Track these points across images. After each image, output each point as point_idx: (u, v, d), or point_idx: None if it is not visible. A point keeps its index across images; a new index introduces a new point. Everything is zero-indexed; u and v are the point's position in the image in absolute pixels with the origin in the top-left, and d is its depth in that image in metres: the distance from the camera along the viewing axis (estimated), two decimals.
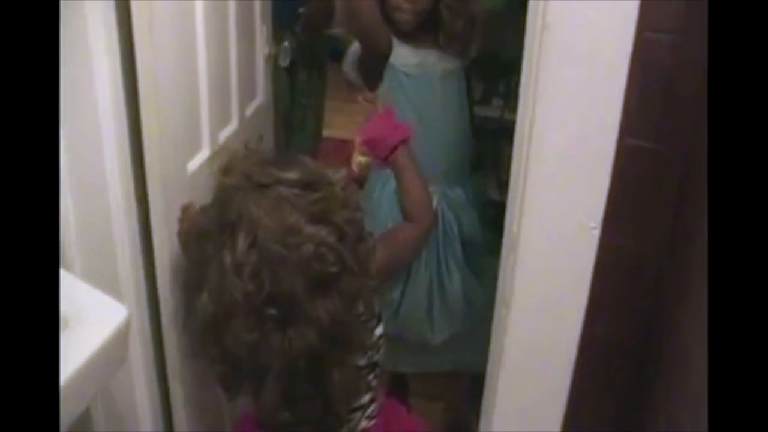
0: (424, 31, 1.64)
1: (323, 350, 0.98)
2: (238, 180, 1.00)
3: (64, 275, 1.00)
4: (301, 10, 2.09)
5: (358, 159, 3.10)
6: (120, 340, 0.96)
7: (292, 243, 0.94)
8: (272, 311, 0.95)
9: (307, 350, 0.97)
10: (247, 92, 1.59)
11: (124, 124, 1.11)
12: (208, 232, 1.01)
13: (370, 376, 1.20)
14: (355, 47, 1.72)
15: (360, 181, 3.08)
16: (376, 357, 1.19)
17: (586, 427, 1.12)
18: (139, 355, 1.23)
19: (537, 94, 0.98)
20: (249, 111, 1.60)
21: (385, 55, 1.64)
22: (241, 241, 0.95)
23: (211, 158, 1.09)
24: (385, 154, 1.28)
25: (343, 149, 3.18)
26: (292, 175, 1.00)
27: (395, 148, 1.27)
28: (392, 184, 1.78)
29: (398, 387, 2.01)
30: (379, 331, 1.18)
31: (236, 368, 1.04)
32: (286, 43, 2.08)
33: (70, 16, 0.99)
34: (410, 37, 1.65)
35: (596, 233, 0.99)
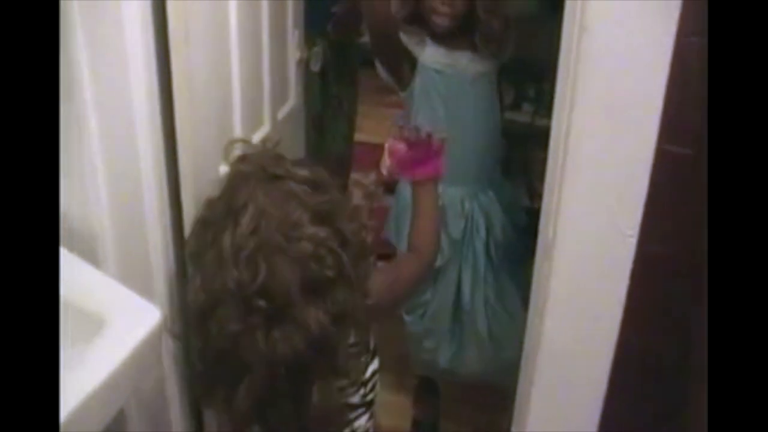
0: (459, 33, 1.63)
1: (306, 360, 0.94)
2: (251, 168, 1.00)
3: (100, 277, 1.01)
4: (333, 9, 2.09)
5: (388, 162, 3.10)
6: (154, 341, 0.97)
7: (293, 236, 0.93)
8: (262, 303, 0.92)
9: (291, 355, 0.93)
10: (279, 96, 1.59)
11: (158, 127, 1.12)
12: (212, 219, 1.00)
13: (365, 417, 1.16)
14: None
15: (390, 184, 3.09)
16: (371, 396, 1.15)
17: None
18: (171, 355, 1.23)
19: (574, 97, 0.97)
20: (281, 114, 1.61)
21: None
22: (244, 226, 0.94)
23: (225, 148, 1.08)
24: (408, 177, 1.28)
25: (373, 153, 3.17)
26: (304, 172, 1.00)
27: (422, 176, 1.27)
28: None
29: (429, 389, 1.99)
30: (373, 367, 1.14)
31: (215, 366, 1.01)
32: (317, 48, 2.08)
33: (107, 20, 1.00)
34: (445, 39, 1.64)
35: (633, 240, 0.98)
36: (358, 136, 2.58)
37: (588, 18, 0.93)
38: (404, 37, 1.63)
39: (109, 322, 0.94)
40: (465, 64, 1.64)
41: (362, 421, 1.16)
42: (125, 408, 1.17)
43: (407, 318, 1.82)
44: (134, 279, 1.10)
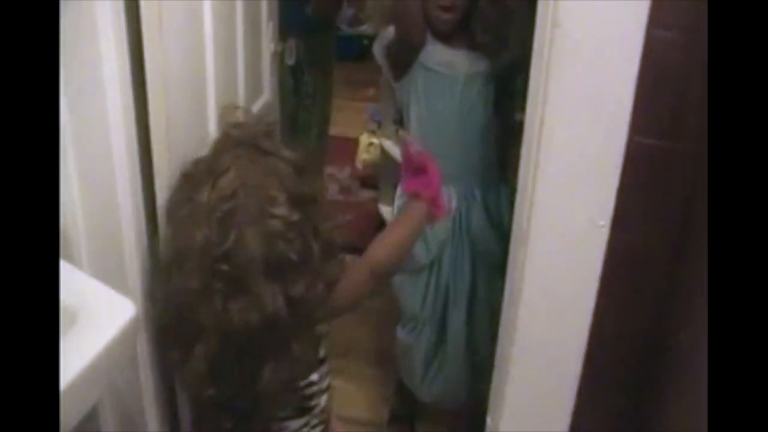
0: (460, 31, 1.60)
1: (258, 336, 0.95)
2: (243, 136, 1.02)
3: (73, 271, 1.00)
4: None
5: (363, 157, 3.11)
6: (128, 336, 0.96)
7: (266, 212, 0.94)
8: (224, 268, 0.93)
9: (243, 328, 0.94)
10: (253, 89, 1.58)
11: (131, 119, 1.11)
12: (193, 176, 1.02)
13: (297, 421, 1.14)
14: (388, 32, 1.67)
15: (364, 179, 3.09)
16: (310, 403, 1.14)
17: (596, 422, 1.12)
18: (146, 351, 1.22)
19: (547, 91, 0.98)
20: (255, 108, 1.60)
21: (416, 48, 1.61)
22: (221, 189, 0.95)
23: (224, 111, 1.09)
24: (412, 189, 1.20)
25: (347, 147, 3.18)
26: (292, 155, 1.01)
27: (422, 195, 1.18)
28: None
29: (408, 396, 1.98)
30: (315, 377, 1.13)
31: (175, 324, 1.02)
32: (291, 41, 2.08)
33: (79, 11, 0.99)
34: (445, 36, 1.61)
35: (605, 231, 0.99)
36: (333, 130, 2.58)
37: (560, 13, 0.95)
38: None
39: (83, 316, 0.93)
40: (461, 62, 1.60)
41: (293, 425, 1.14)
42: (99, 403, 1.16)
43: (400, 332, 1.83)
44: (108, 273, 1.09)
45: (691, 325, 0.96)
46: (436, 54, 1.60)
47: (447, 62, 1.60)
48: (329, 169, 3.09)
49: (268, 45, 1.67)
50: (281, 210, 0.95)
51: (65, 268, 1.00)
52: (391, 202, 2.60)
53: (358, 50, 4.10)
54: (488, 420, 1.20)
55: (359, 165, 3.15)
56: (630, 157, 0.99)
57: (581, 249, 1.01)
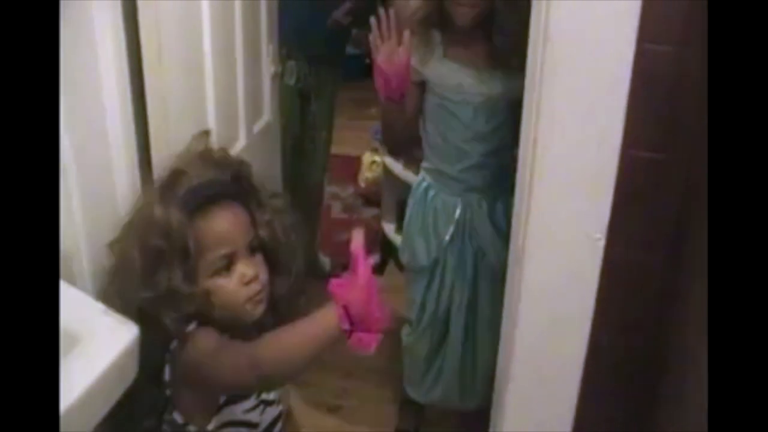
0: (479, 37, 1.58)
1: None
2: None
3: (76, 293, 1.01)
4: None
5: (366, 175, 3.12)
6: (129, 357, 0.97)
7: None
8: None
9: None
10: (254, 111, 1.60)
11: (133, 145, 1.13)
12: None
13: None
14: None
15: (367, 197, 3.10)
16: None
17: None
18: None
19: (540, 106, 0.99)
20: (256, 128, 1.62)
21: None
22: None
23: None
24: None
25: (350, 166, 3.19)
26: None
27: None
28: (427, 191, 1.76)
29: (413, 400, 1.98)
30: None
31: None
32: (291, 61, 2.10)
33: (79, 43, 1.01)
34: (459, 44, 1.59)
35: (601, 244, 1.00)
36: (336, 149, 2.59)
37: (551, 29, 0.96)
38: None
39: (86, 338, 0.94)
40: (470, 84, 1.57)
41: None
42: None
43: (403, 332, 1.84)
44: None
45: (688, 335, 0.96)
46: (443, 77, 1.59)
47: (455, 86, 1.58)
48: (333, 188, 3.10)
49: (267, 67, 1.69)
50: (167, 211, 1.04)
51: (68, 290, 1.01)
52: (393, 220, 2.61)
53: (360, 69, 4.12)
54: None
55: (362, 183, 3.16)
56: (624, 170, 1.00)
57: (578, 262, 1.02)
